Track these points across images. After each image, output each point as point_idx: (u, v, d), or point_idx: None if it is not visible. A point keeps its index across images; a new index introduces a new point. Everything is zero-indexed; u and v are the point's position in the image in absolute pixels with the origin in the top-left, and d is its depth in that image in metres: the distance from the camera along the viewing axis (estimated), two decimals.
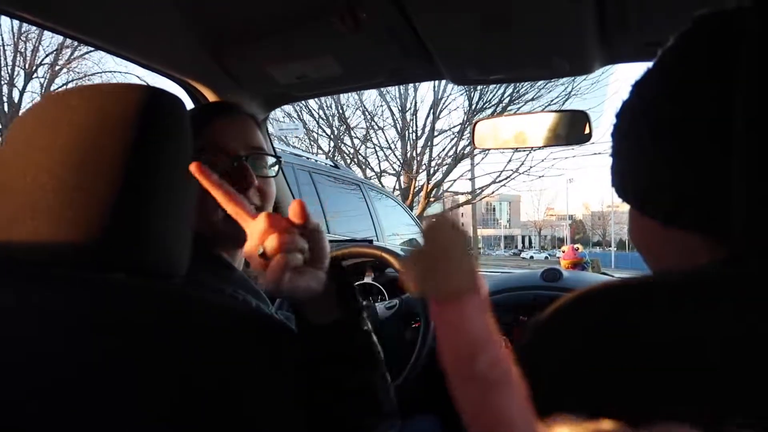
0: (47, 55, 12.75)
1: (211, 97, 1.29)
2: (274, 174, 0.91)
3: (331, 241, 1.81)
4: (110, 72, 13.12)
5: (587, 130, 1.17)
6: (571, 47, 1.07)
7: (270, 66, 1.17)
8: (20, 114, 0.58)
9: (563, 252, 2.66)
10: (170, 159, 0.55)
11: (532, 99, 12.09)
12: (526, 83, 12.10)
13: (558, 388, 0.32)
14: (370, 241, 1.63)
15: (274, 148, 1.68)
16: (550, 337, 0.35)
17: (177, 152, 0.57)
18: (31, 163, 0.52)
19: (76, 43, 11.65)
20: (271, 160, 0.91)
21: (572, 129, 1.20)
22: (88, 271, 0.51)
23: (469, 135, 12.32)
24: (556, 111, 1.33)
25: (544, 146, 1.32)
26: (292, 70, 1.18)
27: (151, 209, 0.53)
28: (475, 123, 1.33)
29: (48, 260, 0.50)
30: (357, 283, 1.55)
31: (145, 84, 0.57)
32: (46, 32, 11.78)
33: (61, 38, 11.67)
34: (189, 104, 1.35)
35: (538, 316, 0.36)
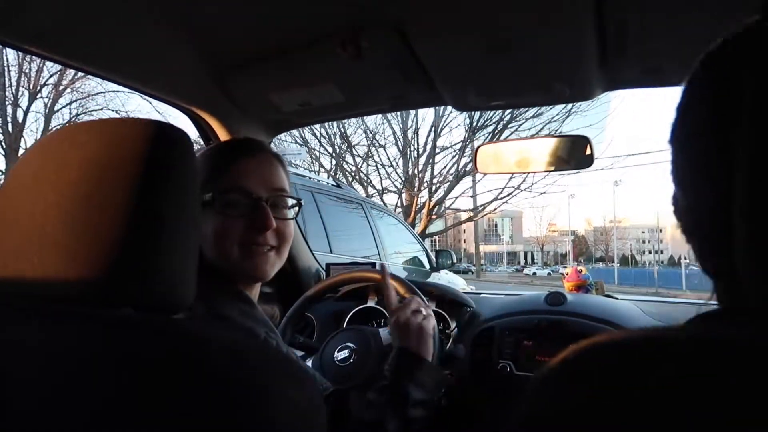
0: (51, 76, 12.89)
1: (214, 123, 1.30)
2: (293, 216, 0.92)
3: (334, 265, 1.81)
4: (113, 92, 13.21)
5: (589, 153, 1.18)
6: (571, 73, 1.07)
7: (273, 93, 1.18)
8: (27, 149, 0.58)
9: (567, 274, 2.64)
10: (177, 193, 0.56)
11: (533, 116, 12.14)
12: None
13: None
14: (373, 264, 1.63)
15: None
16: (556, 388, 0.34)
17: (183, 186, 0.57)
18: (40, 198, 0.52)
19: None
20: (291, 201, 0.92)
21: (574, 152, 1.21)
22: (95, 307, 0.51)
23: (470, 153, 12.36)
24: (557, 136, 1.33)
25: (547, 171, 1.32)
26: (295, 97, 1.19)
27: (159, 244, 0.53)
28: (478, 148, 1.34)
29: (54, 295, 0.50)
30: (359, 308, 1.54)
31: (150, 119, 0.58)
32: None
33: None
34: (193, 131, 1.37)
35: (544, 368, 0.35)
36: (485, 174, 10.58)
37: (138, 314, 0.52)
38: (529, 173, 12.75)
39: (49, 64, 12.42)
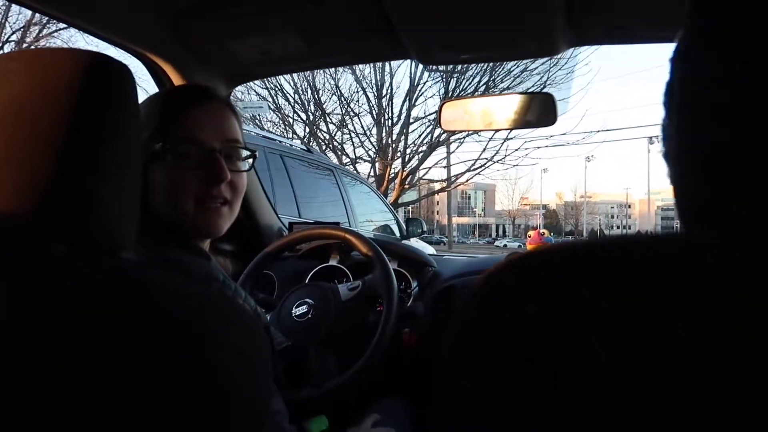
0: (14, 33, 12.33)
1: (170, 71, 1.25)
2: (247, 168, 0.89)
3: (297, 223, 1.80)
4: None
5: (552, 113, 1.17)
6: (537, 27, 1.06)
7: (232, 40, 1.14)
8: None
9: (529, 236, 2.68)
10: (115, 129, 0.53)
11: (508, 88, 12.13)
12: (503, 72, 12.18)
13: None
14: (337, 223, 1.61)
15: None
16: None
17: (122, 122, 0.54)
18: None
19: (44, 21, 11.29)
20: (245, 152, 0.88)
21: (538, 111, 1.20)
22: (24, 244, 0.48)
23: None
24: (522, 93, 1.32)
25: (510, 128, 1.31)
26: (254, 45, 1.15)
27: (93, 180, 0.50)
28: (442, 104, 1.32)
29: None
30: (321, 266, 1.53)
31: (87, 50, 0.54)
32: (13, 8, 11.38)
33: (29, 16, 11.27)
34: (149, 79, 1.32)
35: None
36: (449, 132, 10.50)
37: (71, 252, 0.50)
38: (502, 142, 12.86)
39: (12, 19, 11.91)
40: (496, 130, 11.07)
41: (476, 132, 11.74)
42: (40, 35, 12.30)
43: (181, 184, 0.80)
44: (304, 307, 1.22)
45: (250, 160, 0.90)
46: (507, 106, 1.22)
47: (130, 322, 0.44)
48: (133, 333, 0.44)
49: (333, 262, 1.55)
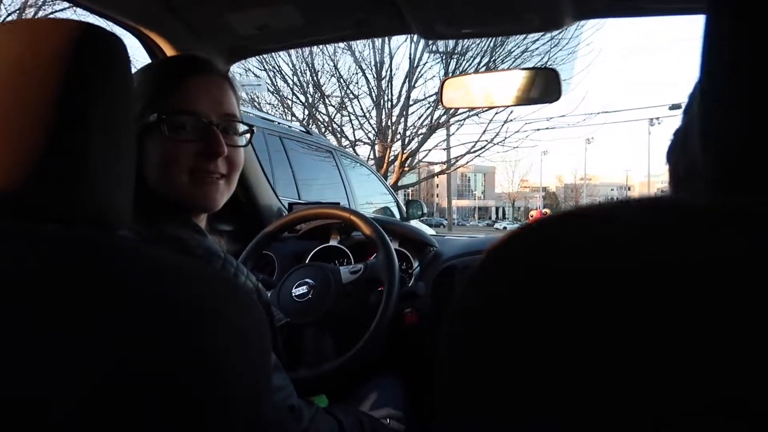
0: (9, 15, 12.19)
1: (166, 47, 1.22)
2: (244, 143, 0.87)
3: (298, 204, 1.78)
4: None
5: (557, 89, 1.15)
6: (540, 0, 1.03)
7: (228, 14, 1.11)
8: None
9: (531, 216, 2.66)
10: (106, 101, 0.51)
11: (509, 69, 12.04)
12: (504, 53, 12.08)
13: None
14: (338, 203, 1.60)
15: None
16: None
17: (115, 94, 0.53)
18: None
19: (40, 2, 11.16)
20: (242, 127, 0.86)
21: (541, 88, 1.17)
22: (18, 221, 0.47)
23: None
24: (525, 69, 1.30)
25: (513, 105, 1.29)
26: (252, 19, 1.12)
27: (84, 154, 0.49)
28: (444, 81, 1.30)
29: None
30: (322, 246, 1.52)
31: (79, 20, 0.53)
32: None
33: None
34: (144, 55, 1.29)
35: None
36: (451, 109, 10.39)
37: (65, 229, 0.48)
38: (502, 124, 12.80)
39: (6, 1, 11.76)
40: (499, 108, 11.01)
41: (477, 110, 11.68)
42: (36, 18, 12.19)
43: (175, 156, 0.78)
44: (305, 287, 1.22)
45: (248, 135, 0.88)
46: (510, 82, 1.20)
47: (127, 300, 0.43)
48: (130, 311, 0.43)
49: (334, 243, 1.53)
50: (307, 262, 1.46)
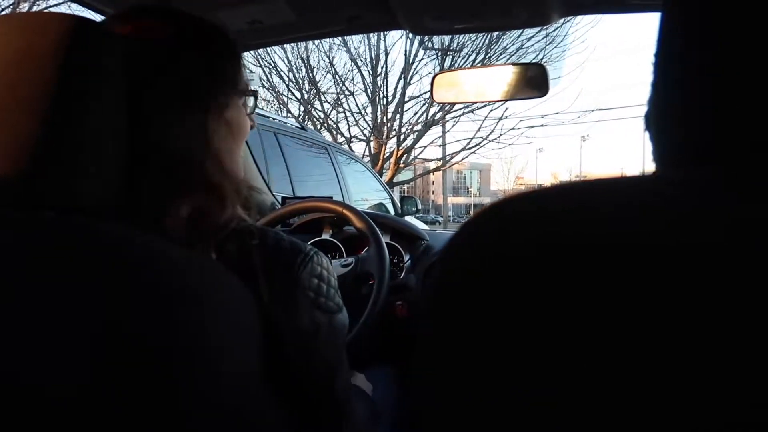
0: (3, 10, 12.13)
1: None
2: None
3: (291, 198, 1.79)
4: None
5: (544, 84, 1.16)
6: None
7: (219, 8, 1.12)
8: None
9: None
10: (101, 93, 0.53)
11: (497, 64, 12.04)
12: (499, 50, 12.07)
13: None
14: (330, 197, 1.61)
15: None
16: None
17: (108, 86, 0.54)
18: None
19: None
20: None
21: (530, 82, 1.19)
22: (12, 209, 0.48)
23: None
24: (514, 64, 1.31)
25: (503, 100, 1.30)
26: (242, 14, 1.13)
27: (76, 144, 0.50)
28: (434, 77, 1.31)
29: None
30: (314, 240, 1.53)
31: (70, 14, 0.54)
32: None
33: None
34: None
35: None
36: (442, 104, 10.38)
37: (61, 217, 0.50)
38: (497, 121, 12.80)
39: None
40: (493, 104, 11.00)
41: (472, 106, 11.65)
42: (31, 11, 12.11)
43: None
44: None
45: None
46: (499, 77, 1.22)
47: (118, 287, 0.45)
48: (122, 299, 0.44)
49: (326, 236, 1.55)
50: None
